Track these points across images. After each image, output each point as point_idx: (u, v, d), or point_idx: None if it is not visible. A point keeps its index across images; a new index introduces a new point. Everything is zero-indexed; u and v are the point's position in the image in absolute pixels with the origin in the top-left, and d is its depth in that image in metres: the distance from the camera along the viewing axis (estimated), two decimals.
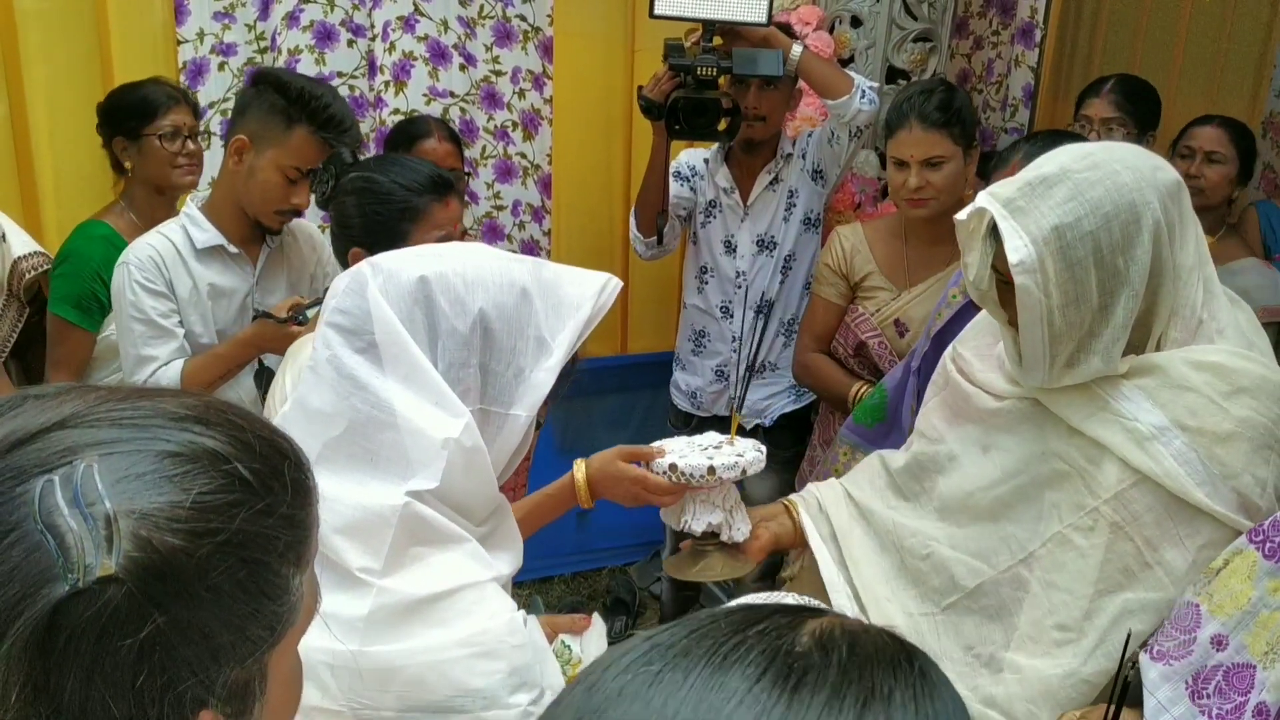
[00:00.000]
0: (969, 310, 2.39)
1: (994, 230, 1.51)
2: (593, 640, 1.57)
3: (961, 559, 1.68)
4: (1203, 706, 1.35)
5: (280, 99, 2.18)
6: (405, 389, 1.19)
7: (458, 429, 1.20)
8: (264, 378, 2.27)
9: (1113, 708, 1.25)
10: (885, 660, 0.58)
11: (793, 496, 1.98)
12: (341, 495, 1.16)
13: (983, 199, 1.52)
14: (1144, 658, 1.46)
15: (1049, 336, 1.49)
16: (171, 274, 2.26)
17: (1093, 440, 1.54)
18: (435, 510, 1.20)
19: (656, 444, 1.72)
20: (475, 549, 1.24)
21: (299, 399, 1.24)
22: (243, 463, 0.73)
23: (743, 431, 3.10)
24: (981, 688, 1.60)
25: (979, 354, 1.78)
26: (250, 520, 0.72)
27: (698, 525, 1.70)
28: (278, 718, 0.81)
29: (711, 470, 1.62)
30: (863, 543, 1.82)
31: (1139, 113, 3.03)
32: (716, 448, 1.70)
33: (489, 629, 1.19)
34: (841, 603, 1.76)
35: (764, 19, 2.62)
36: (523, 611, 1.29)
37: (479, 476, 1.24)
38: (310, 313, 2.08)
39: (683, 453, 1.68)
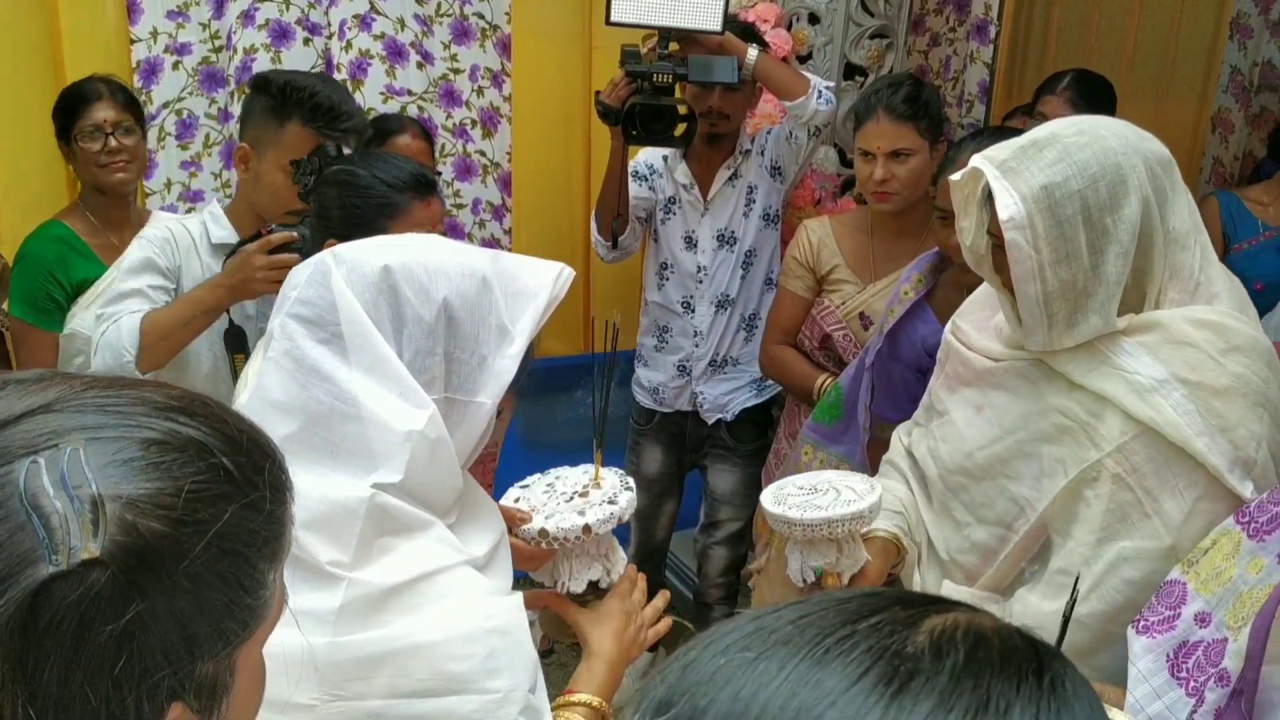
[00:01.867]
0: (921, 306, 2.42)
1: (988, 197, 1.56)
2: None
3: (988, 530, 1.71)
4: (1180, 679, 1.38)
5: (268, 98, 2.16)
6: (369, 380, 1.18)
7: (422, 421, 1.19)
8: (234, 336, 2.20)
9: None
10: (1010, 668, 0.52)
11: (899, 531, 1.85)
12: (305, 490, 1.13)
13: (977, 160, 1.58)
14: (1130, 631, 1.48)
15: (1043, 294, 1.54)
16: (183, 258, 2.21)
17: (1094, 394, 1.58)
18: (400, 500, 1.19)
19: (511, 497, 1.55)
20: (443, 533, 1.23)
21: (259, 390, 1.22)
22: (227, 456, 0.73)
23: (703, 428, 3.14)
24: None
25: (977, 326, 1.82)
26: (235, 513, 0.72)
27: (576, 585, 1.52)
28: (242, 714, 0.81)
29: (587, 529, 1.45)
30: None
31: (1094, 111, 3.07)
32: (582, 494, 1.53)
33: (463, 613, 1.18)
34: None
35: (719, 27, 2.62)
36: (517, 595, 1.29)
37: (443, 468, 1.23)
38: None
39: (549, 509, 1.49)
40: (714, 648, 0.55)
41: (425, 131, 2.86)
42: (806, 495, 1.69)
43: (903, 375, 2.42)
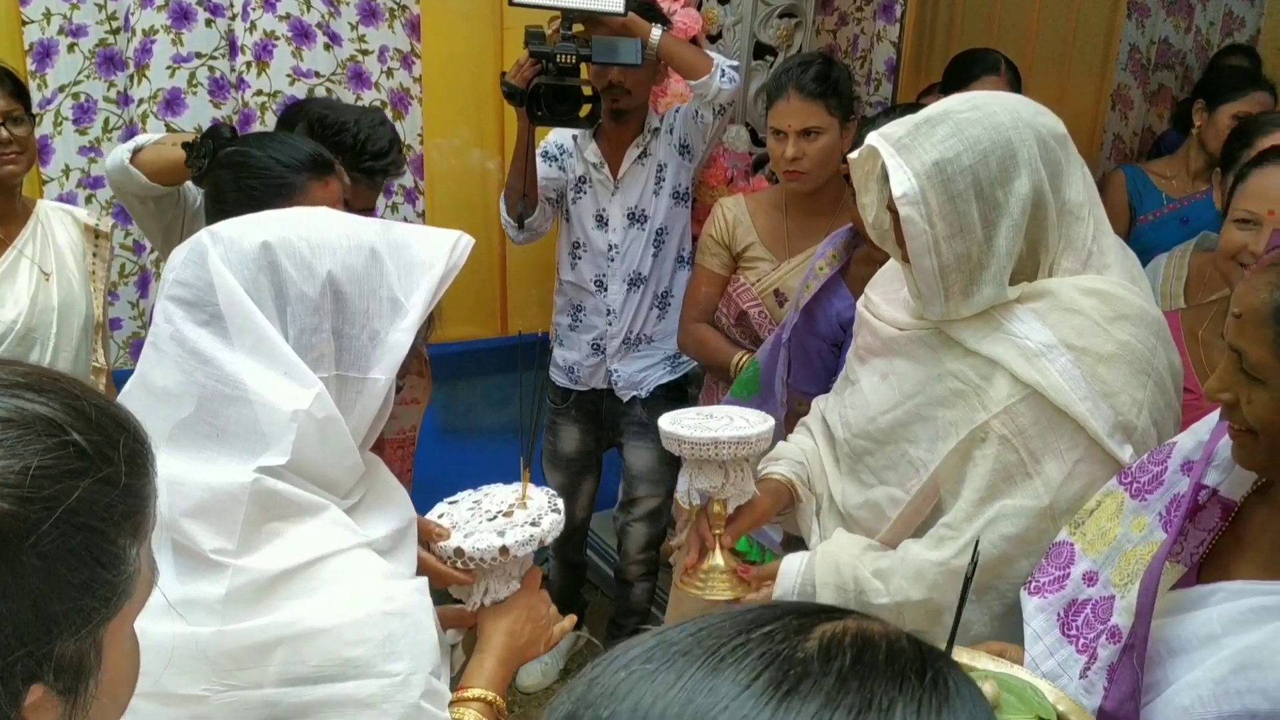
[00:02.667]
0: (836, 282, 2.46)
1: (886, 173, 1.58)
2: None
3: (887, 490, 1.76)
4: (1070, 636, 1.43)
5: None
6: (253, 361, 1.15)
7: (308, 400, 1.16)
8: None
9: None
10: (894, 669, 0.54)
11: (795, 476, 1.93)
12: (188, 477, 1.12)
13: (872, 138, 1.61)
14: (1023, 592, 1.53)
15: (938, 266, 1.58)
16: None
17: (986, 358, 1.62)
18: (290, 484, 1.16)
19: (436, 512, 1.50)
20: (338, 515, 1.20)
21: (141, 377, 1.18)
22: (79, 431, 0.72)
23: (619, 405, 3.16)
24: (878, 561, 1.70)
25: (886, 297, 1.85)
26: (87, 488, 0.71)
27: (490, 604, 1.46)
28: (114, 695, 0.79)
29: (505, 551, 1.38)
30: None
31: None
32: (507, 513, 1.46)
33: (359, 597, 1.15)
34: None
35: (621, 8, 2.63)
36: (420, 580, 1.26)
37: (336, 447, 1.21)
38: None
39: (469, 527, 1.43)
40: (618, 662, 0.56)
41: None
42: (702, 419, 1.75)
43: (819, 350, 2.46)
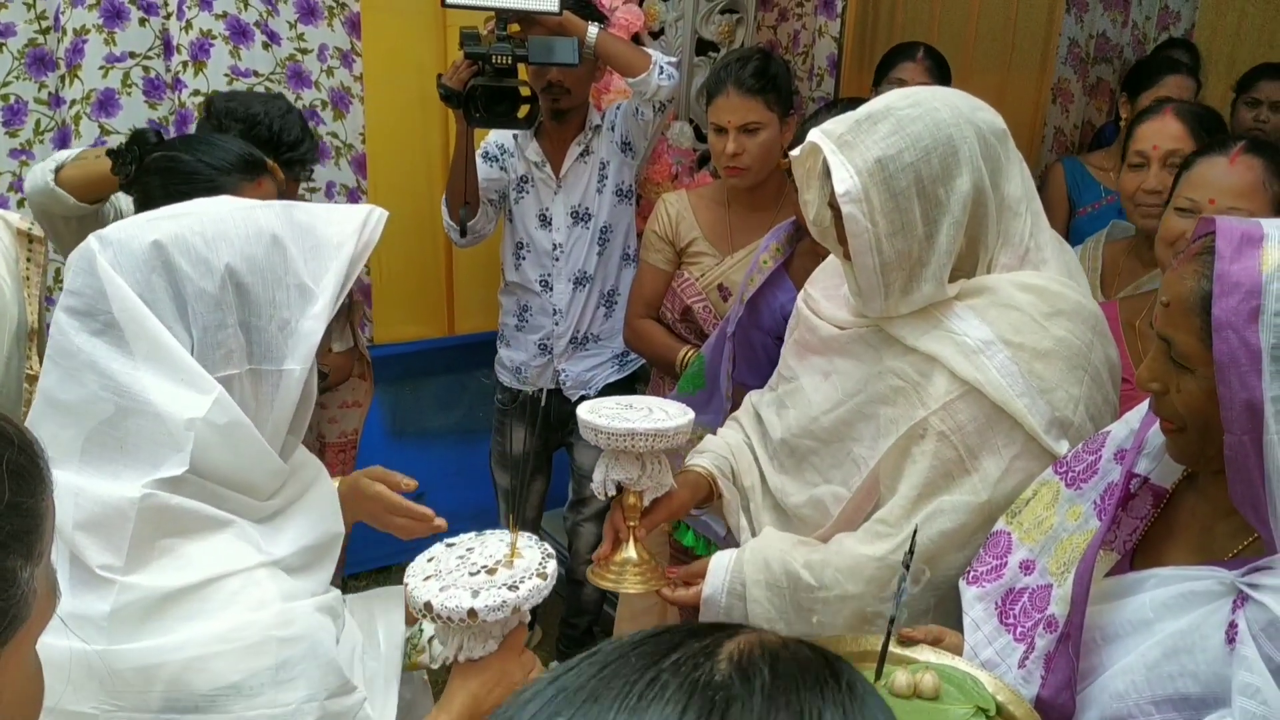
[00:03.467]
0: (780, 275, 2.46)
1: (828, 170, 1.58)
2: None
3: (832, 489, 1.75)
4: (1008, 625, 1.43)
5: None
6: (149, 369, 1.12)
7: (204, 407, 1.12)
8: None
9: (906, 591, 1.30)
10: (810, 679, 0.54)
11: (716, 470, 1.92)
12: (86, 488, 1.08)
13: (814, 135, 1.60)
14: (961, 582, 1.53)
15: (880, 264, 1.57)
16: None
17: (925, 355, 1.62)
18: (197, 496, 1.13)
19: (428, 555, 1.36)
20: (243, 531, 1.16)
21: (43, 392, 1.14)
22: None
23: (567, 405, 3.14)
24: (810, 554, 1.68)
25: (826, 293, 1.85)
26: None
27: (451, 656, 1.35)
28: (16, 718, 0.76)
29: (473, 614, 1.23)
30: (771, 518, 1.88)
31: (942, 83, 3.17)
32: (490, 569, 1.30)
33: (253, 620, 1.11)
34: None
35: (555, 8, 2.61)
36: (332, 593, 1.22)
37: (247, 450, 1.17)
38: None
39: (449, 579, 1.28)
40: (520, 717, 0.54)
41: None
42: (621, 410, 1.74)
43: (763, 343, 2.46)
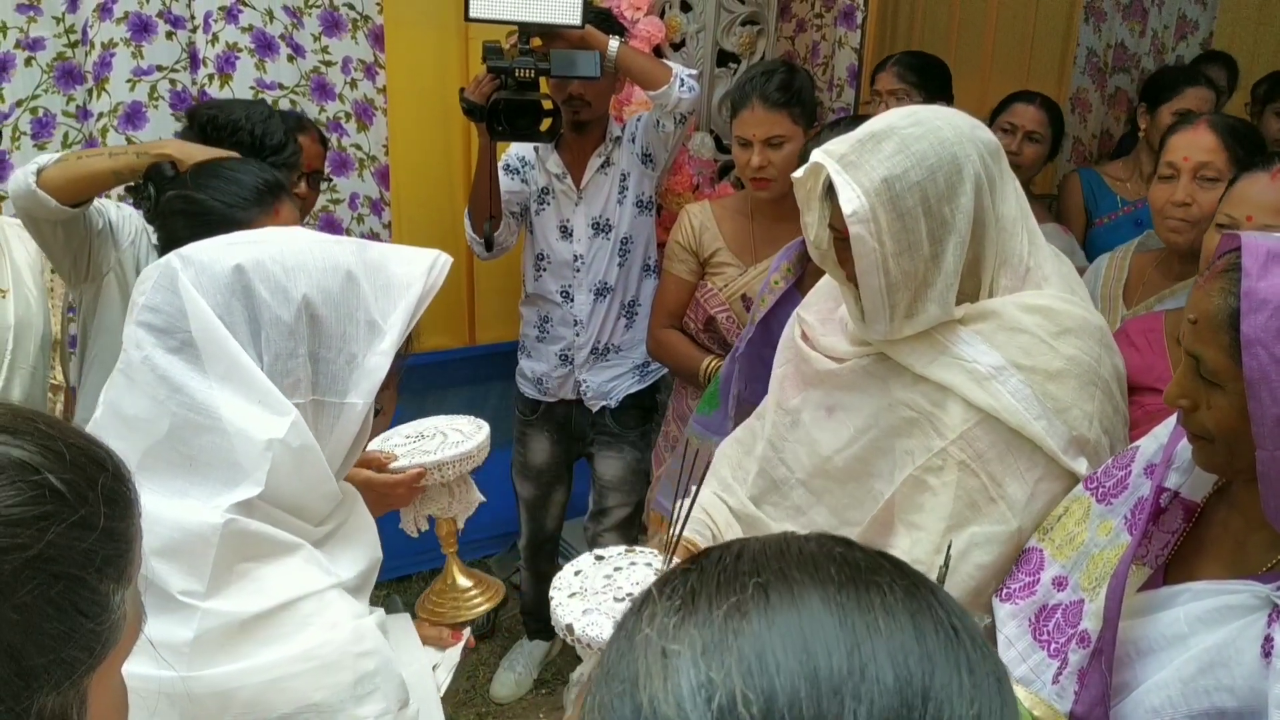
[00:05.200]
0: (792, 294, 2.46)
1: (829, 191, 1.57)
2: (451, 654, 1.50)
3: (849, 529, 1.72)
4: (1042, 641, 1.44)
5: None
6: (226, 389, 1.12)
7: (283, 428, 1.13)
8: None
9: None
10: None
11: (699, 539, 1.87)
12: (160, 514, 1.08)
13: (818, 155, 1.57)
14: (995, 599, 1.53)
15: (886, 285, 1.55)
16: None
17: (936, 384, 1.61)
18: (263, 519, 1.13)
19: (576, 566, 1.43)
20: (311, 554, 1.17)
21: (111, 405, 1.15)
22: (54, 473, 0.69)
23: (588, 416, 3.18)
24: None
25: (821, 318, 1.83)
26: (63, 534, 0.68)
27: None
28: None
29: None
30: None
31: (924, 82, 3.20)
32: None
33: (330, 640, 1.13)
34: None
35: (579, 21, 2.62)
36: (377, 613, 1.24)
37: (312, 475, 1.18)
38: None
39: (591, 598, 1.27)
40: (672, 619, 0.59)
41: (323, 136, 2.79)
42: (413, 443, 1.68)
43: None
